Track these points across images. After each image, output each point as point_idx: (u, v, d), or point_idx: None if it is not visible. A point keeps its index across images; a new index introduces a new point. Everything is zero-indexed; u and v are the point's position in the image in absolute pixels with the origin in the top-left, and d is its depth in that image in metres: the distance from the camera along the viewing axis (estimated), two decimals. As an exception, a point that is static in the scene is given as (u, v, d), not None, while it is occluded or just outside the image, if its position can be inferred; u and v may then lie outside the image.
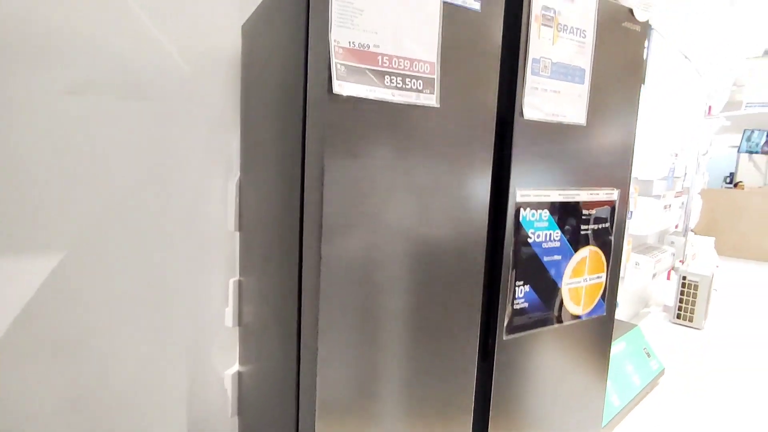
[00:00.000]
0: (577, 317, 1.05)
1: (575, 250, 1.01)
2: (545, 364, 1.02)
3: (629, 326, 2.74)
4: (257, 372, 1.16)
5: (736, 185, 7.11)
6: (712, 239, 5.06)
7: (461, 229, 0.84)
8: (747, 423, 2.39)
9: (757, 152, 7.45)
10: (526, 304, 0.95)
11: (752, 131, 7.25)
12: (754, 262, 6.46)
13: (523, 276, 0.94)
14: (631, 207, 2.72)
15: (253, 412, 1.22)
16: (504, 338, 0.93)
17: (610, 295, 1.12)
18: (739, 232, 6.67)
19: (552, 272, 0.98)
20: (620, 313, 3.28)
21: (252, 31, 1.12)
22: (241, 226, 1.28)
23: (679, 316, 3.55)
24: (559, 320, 1.02)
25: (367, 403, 0.79)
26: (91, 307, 1.17)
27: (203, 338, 1.33)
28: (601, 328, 1.12)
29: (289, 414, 0.87)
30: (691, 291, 3.47)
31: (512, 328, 0.94)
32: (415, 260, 0.79)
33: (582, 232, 1.02)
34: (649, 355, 2.65)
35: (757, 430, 2.30)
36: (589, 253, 1.04)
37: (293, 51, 0.81)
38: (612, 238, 1.08)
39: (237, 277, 1.31)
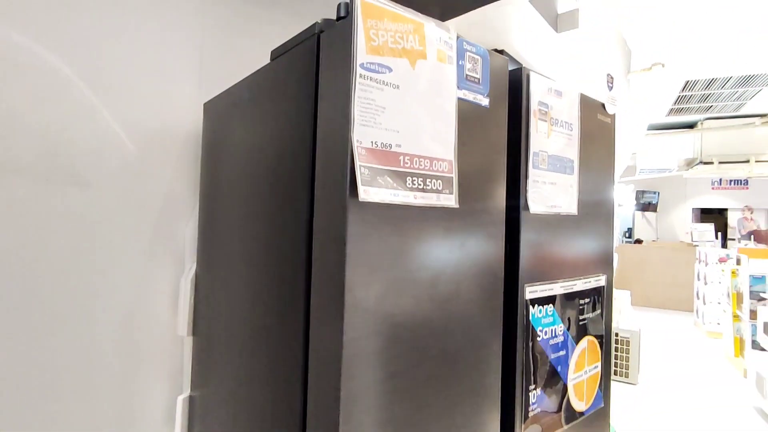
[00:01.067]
0: (581, 414, 0.99)
1: (576, 343, 0.97)
2: (557, 472, 0.93)
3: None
4: None
5: (637, 241, 7.92)
6: (628, 292, 5.49)
7: (480, 337, 0.75)
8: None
9: (650, 208, 8.46)
10: (538, 410, 0.88)
11: (644, 191, 8.26)
12: (660, 310, 7.10)
13: (535, 379, 0.87)
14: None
15: None
16: (522, 453, 0.84)
17: (605, 384, 1.08)
18: (643, 282, 7.35)
19: (559, 369, 0.92)
20: (565, 375, 3.33)
21: (220, 111, 1.01)
22: (195, 330, 1.08)
23: (615, 373, 3.70)
24: (567, 421, 0.95)
25: None
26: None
27: (139, 473, 1.06)
28: (601, 422, 1.07)
29: None
30: (624, 347, 3.65)
31: (528, 440, 0.85)
32: (434, 368, 0.68)
33: (580, 323, 0.99)
34: (600, 419, 2.66)
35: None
36: (587, 343, 1.01)
37: (291, 143, 0.71)
38: (603, 324, 1.07)
39: (187, 393, 1.09)
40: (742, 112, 3.99)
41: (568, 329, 0.95)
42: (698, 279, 5.87)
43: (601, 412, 1.06)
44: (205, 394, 1.03)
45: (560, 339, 0.93)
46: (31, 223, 0.92)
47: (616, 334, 3.67)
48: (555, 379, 0.92)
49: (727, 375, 4.13)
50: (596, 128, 1.04)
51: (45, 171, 0.94)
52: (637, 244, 7.50)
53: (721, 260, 5.34)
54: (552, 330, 0.90)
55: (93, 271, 1.00)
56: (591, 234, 1.02)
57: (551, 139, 0.90)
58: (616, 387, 3.53)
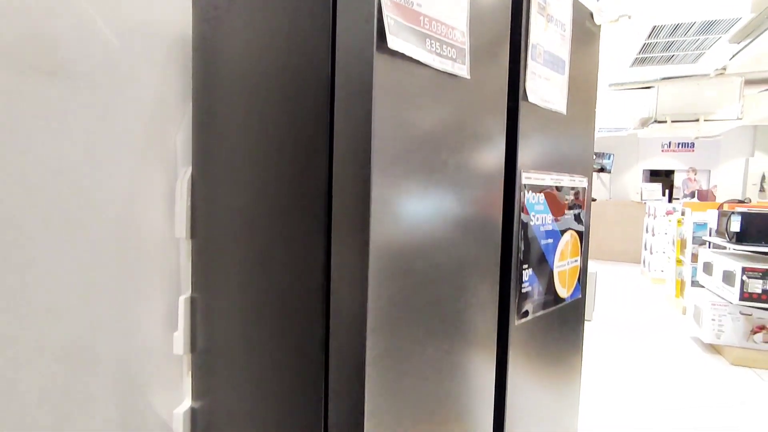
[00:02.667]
0: (563, 300, 1.09)
1: (562, 234, 1.05)
2: (544, 344, 1.03)
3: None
4: (228, 407, 0.97)
5: (592, 200, 8.31)
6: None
7: (484, 210, 0.81)
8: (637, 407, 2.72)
9: (604, 170, 8.86)
10: (530, 288, 0.96)
11: (602, 153, 8.64)
12: (611, 262, 7.59)
13: (527, 259, 0.94)
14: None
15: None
16: (516, 323, 0.92)
17: (583, 278, 1.18)
18: (597, 237, 7.79)
19: (547, 255, 1.00)
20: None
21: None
22: (194, 233, 1.08)
23: (572, 311, 3.96)
24: (553, 303, 1.04)
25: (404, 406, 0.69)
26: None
27: (139, 370, 1.08)
28: (579, 310, 1.17)
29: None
30: (581, 287, 3.90)
31: (521, 313, 0.93)
32: (448, 243, 0.74)
33: (566, 217, 1.06)
34: (561, 347, 2.88)
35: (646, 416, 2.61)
36: (570, 237, 1.09)
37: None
38: (584, 223, 1.15)
39: (188, 294, 1.10)
40: (699, 62, 4.23)
41: (556, 220, 1.02)
42: (646, 232, 6.30)
43: (578, 302, 1.17)
44: (207, 295, 1.04)
45: (549, 227, 1.00)
46: (9, 114, 0.88)
47: (575, 276, 3.90)
48: (543, 264, 1.00)
49: (668, 313, 4.53)
50: (584, 35, 1.09)
51: (25, 55, 0.89)
52: (591, 202, 7.89)
53: (668, 213, 5.74)
54: (542, 218, 0.98)
55: (81, 172, 0.97)
56: (576, 137, 1.09)
57: (547, 33, 0.94)
58: (573, 324, 3.80)
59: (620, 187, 9.23)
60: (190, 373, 1.12)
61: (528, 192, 0.92)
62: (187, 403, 1.12)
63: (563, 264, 1.07)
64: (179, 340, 1.08)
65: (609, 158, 8.68)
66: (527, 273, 0.94)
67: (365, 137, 0.61)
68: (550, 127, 0.98)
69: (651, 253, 6.00)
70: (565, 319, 1.12)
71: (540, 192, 0.96)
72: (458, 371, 0.79)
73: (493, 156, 0.82)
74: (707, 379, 2.94)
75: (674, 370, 3.11)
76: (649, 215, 6.20)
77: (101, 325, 1.03)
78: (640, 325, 4.03)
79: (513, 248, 0.90)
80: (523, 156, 0.90)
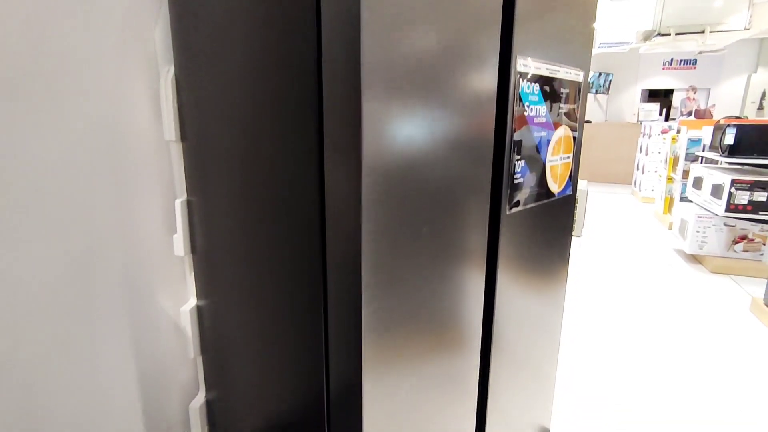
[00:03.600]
0: (554, 195, 1.11)
1: (555, 128, 1.05)
2: (535, 234, 1.07)
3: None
4: (229, 304, 1.02)
5: (586, 122, 8.20)
6: (577, 165, 5.80)
7: (476, 98, 0.79)
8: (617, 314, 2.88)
9: (601, 92, 8.64)
10: (522, 180, 0.97)
11: (599, 73, 8.37)
12: (603, 184, 7.67)
13: (519, 150, 0.94)
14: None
15: (224, 348, 1.08)
16: (507, 213, 0.94)
17: (574, 176, 1.19)
18: (591, 159, 7.78)
19: (540, 148, 1.01)
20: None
21: None
22: (183, 135, 1.06)
23: (563, 228, 4.06)
24: (544, 197, 1.06)
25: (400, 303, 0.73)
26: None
27: (143, 273, 1.12)
28: (569, 206, 1.20)
29: (313, 350, 0.78)
30: (572, 205, 3.97)
31: (513, 203, 0.95)
32: (442, 132, 0.73)
33: (560, 111, 1.05)
34: (550, 259, 2.99)
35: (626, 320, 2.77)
36: (564, 132, 1.09)
37: None
38: (577, 120, 1.14)
39: (184, 197, 1.11)
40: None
41: (550, 113, 1.01)
42: (640, 152, 6.29)
43: (569, 198, 1.19)
44: (202, 198, 1.05)
45: (542, 120, 0.99)
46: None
47: (567, 194, 3.95)
48: (536, 157, 1.00)
49: (655, 229, 4.67)
50: None
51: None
52: (586, 124, 7.79)
53: (664, 131, 5.69)
54: (537, 109, 0.96)
55: (58, 74, 0.92)
56: (574, 26, 1.05)
57: None
58: (562, 240, 3.91)
59: (616, 109, 9.06)
60: (192, 273, 1.16)
61: (523, 81, 0.90)
62: (192, 301, 1.17)
63: (555, 159, 1.08)
64: (179, 241, 1.11)
65: (604, 78, 8.42)
66: (519, 164, 0.95)
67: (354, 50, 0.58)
68: (547, 12, 0.94)
69: (643, 173, 6.05)
70: (556, 215, 1.15)
71: (535, 82, 0.94)
72: (452, 257, 0.82)
73: (488, 40, 0.79)
74: (687, 285, 3.10)
75: (656, 277, 3.27)
76: (644, 135, 6.16)
77: (103, 230, 1.04)
78: (626, 239, 4.17)
79: (506, 138, 0.89)
80: (519, 42, 0.87)
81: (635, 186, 6.41)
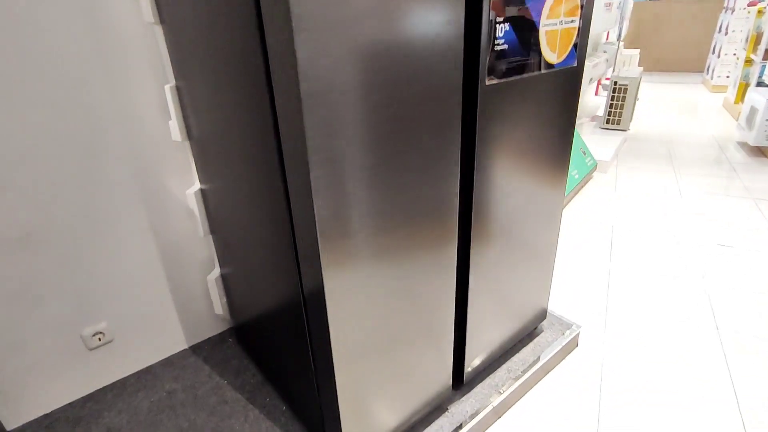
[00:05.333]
0: (552, 66, 1.02)
1: (553, -16, 0.92)
2: (524, 112, 1.01)
3: (570, 129, 2.87)
4: (225, 189, 1.07)
5: (658, -3, 7.10)
6: (637, 51, 5.21)
7: (440, -60, 0.70)
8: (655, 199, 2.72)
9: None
10: (506, 47, 0.89)
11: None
12: (672, 74, 6.85)
13: (503, 11, 0.85)
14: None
15: (230, 227, 1.16)
16: (486, 83, 0.88)
17: (581, 44, 1.08)
18: (658, 45, 6.90)
19: (530, 8, 0.90)
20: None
21: None
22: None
23: (608, 122, 3.79)
24: (537, 68, 0.98)
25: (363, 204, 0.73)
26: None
27: (148, 157, 1.19)
28: (573, 79, 1.10)
29: (283, 229, 0.81)
30: (621, 95, 3.64)
31: (494, 72, 0.89)
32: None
33: (560, -38, 0.92)
34: (584, 153, 2.85)
35: (663, 207, 2.63)
36: (565, -11, 0.96)
37: None
38: (587, -26, 1.00)
39: (173, 83, 1.13)
40: None
41: (545, -35, 0.89)
42: (719, 31, 5.47)
43: (573, 71, 1.09)
44: (188, 84, 1.06)
45: (535, -26, 0.88)
46: None
47: (615, 82, 3.62)
48: (525, 19, 0.90)
49: (720, 120, 4.22)
50: None
51: None
52: (652, 1, 6.74)
53: (751, 4, 4.86)
54: (526, -40, 0.85)
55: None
56: None
57: None
58: (607, 133, 3.66)
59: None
60: (193, 159, 1.22)
61: None
62: (197, 185, 1.25)
63: (553, 23, 0.97)
64: (174, 127, 1.15)
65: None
66: (502, 28, 0.86)
67: None
68: None
69: (718, 56, 5.31)
70: (555, 89, 1.06)
71: (524, -76, 0.81)
72: (414, 137, 0.80)
73: None
74: (747, 180, 2.86)
75: (708, 174, 3.04)
76: (726, 10, 5.29)
77: (103, 114, 1.10)
78: (681, 132, 3.82)
79: (483, 4, 0.80)
80: None
81: (707, 74, 5.68)
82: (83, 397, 1.28)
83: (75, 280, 1.17)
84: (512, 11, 0.87)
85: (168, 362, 1.42)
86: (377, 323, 0.89)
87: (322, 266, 0.75)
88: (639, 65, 6.67)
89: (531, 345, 1.43)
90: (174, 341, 1.43)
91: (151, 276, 1.31)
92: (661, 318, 1.64)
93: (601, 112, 4.18)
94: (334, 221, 0.73)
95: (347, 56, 0.65)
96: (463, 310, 1.12)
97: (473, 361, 1.22)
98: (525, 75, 0.96)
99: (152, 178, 1.21)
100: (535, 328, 1.50)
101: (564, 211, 2.51)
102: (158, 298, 1.35)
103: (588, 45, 3.78)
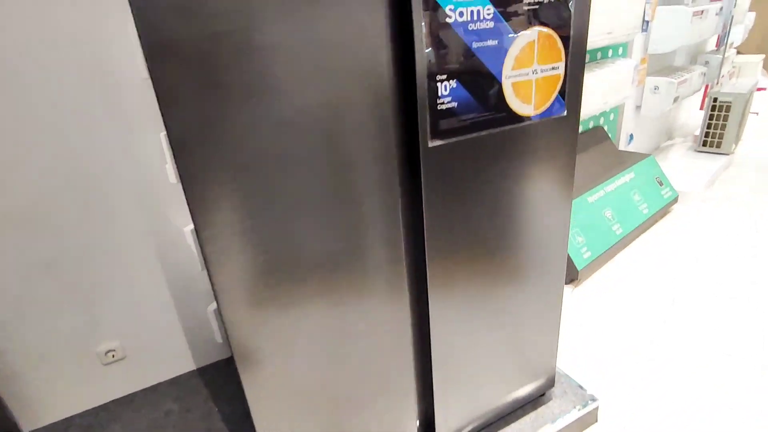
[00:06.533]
0: (524, 118, 0.90)
1: (517, 32, 0.82)
2: (490, 176, 0.91)
3: (642, 156, 2.56)
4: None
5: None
6: (761, 57, 4.45)
7: (358, 21, 0.67)
8: (751, 240, 2.29)
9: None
10: (454, 104, 0.81)
11: None
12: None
13: (447, 68, 0.78)
14: (648, 16, 2.32)
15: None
16: (429, 145, 0.81)
17: (572, 91, 0.94)
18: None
19: (487, 62, 0.81)
20: (638, 146, 3.06)
21: None
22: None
23: (705, 144, 3.29)
24: (504, 122, 0.88)
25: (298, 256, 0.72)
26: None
27: (152, 196, 1.31)
28: (562, 132, 0.97)
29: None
30: (722, 114, 3.13)
31: (439, 133, 0.81)
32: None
33: (526, 7, 0.81)
34: (661, 184, 2.51)
35: (760, 253, 2.20)
36: (538, 36, 0.84)
37: None
38: (572, 15, 0.87)
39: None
40: None
41: (503, 14, 0.79)
42: None
43: (562, 122, 0.96)
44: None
45: (488, 25, 0.79)
46: None
47: (715, 99, 3.12)
48: (482, 73, 0.81)
49: None
50: None
51: None
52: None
53: None
54: (472, 12, 0.76)
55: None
56: None
57: None
58: (702, 158, 3.18)
59: None
60: (191, 199, 1.31)
61: (438, -24, 0.71)
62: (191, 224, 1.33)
63: (521, 73, 0.85)
64: (171, 170, 1.24)
65: None
66: (447, 85, 0.79)
67: None
68: None
69: None
70: (534, 144, 0.94)
71: (465, -25, 0.73)
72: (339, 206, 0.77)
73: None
74: None
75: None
76: None
77: (113, 159, 1.23)
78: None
79: (416, 54, 0.74)
80: (423, -77, 0.68)
81: None
82: (96, 407, 1.43)
83: (91, 303, 1.32)
84: (459, 66, 0.79)
85: (174, 381, 1.52)
86: (316, 381, 0.87)
87: (242, 334, 0.75)
88: (765, 74, 5.68)
89: (531, 415, 1.28)
90: (182, 362, 1.54)
91: (161, 301, 1.42)
92: (718, 408, 1.36)
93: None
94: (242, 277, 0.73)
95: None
96: (427, 366, 1.04)
97: (445, 429, 1.12)
98: (485, 132, 0.86)
99: (157, 215, 1.32)
100: (543, 395, 1.34)
101: (622, 251, 2.22)
102: (168, 322, 1.46)
103: (682, 56, 3.31)
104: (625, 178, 2.36)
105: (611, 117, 2.63)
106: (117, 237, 1.29)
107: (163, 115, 0.60)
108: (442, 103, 0.80)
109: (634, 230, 2.25)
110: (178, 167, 0.64)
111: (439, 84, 0.78)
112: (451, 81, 0.79)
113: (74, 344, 1.34)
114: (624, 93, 2.22)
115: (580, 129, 2.44)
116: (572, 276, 1.95)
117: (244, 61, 0.62)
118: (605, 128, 2.61)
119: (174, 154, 0.63)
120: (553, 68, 0.89)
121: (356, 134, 0.75)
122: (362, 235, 0.82)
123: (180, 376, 1.55)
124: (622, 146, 2.80)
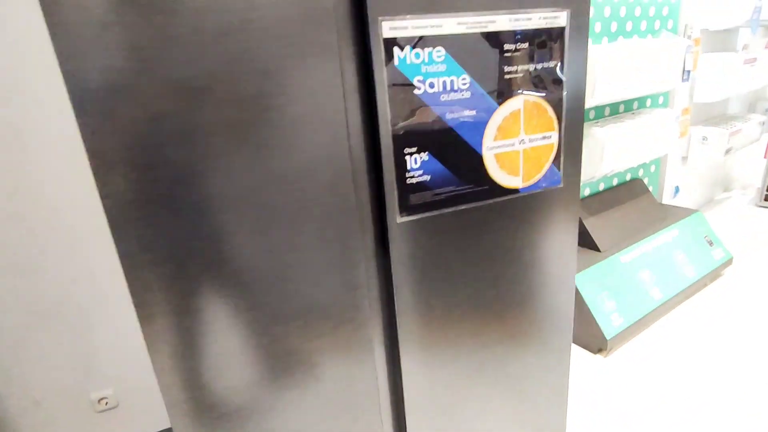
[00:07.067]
0: (511, 191, 0.82)
1: (498, 102, 0.76)
2: (476, 252, 0.83)
3: (687, 212, 2.34)
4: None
5: None
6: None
7: (314, 95, 0.64)
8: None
9: None
10: (427, 177, 0.75)
11: None
12: None
13: (416, 141, 0.72)
14: (689, 66, 2.17)
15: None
16: (398, 221, 0.75)
17: (570, 161, 0.86)
18: None
19: (463, 134, 0.75)
20: (686, 200, 2.82)
21: None
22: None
23: None
24: (487, 196, 0.80)
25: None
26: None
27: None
28: (559, 204, 0.88)
29: None
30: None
31: (410, 208, 0.75)
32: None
33: (508, 76, 0.75)
34: (711, 243, 2.27)
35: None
36: (524, 104, 0.78)
37: None
38: (563, 81, 0.80)
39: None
40: None
41: (482, 84, 0.74)
42: None
43: (558, 193, 0.87)
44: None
45: (464, 95, 0.73)
46: None
47: (775, 151, 2.84)
48: (458, 145, 0.75)
49: None
50: None
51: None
52: None
53: None
54: (444, 82, 0.71)
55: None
56: (535, -55, 0.71)
57: None
58: (766, 213, 2.87)
59: None
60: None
61: (403, 48, 0.67)
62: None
63: (506, 144, 0.78)
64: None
65: None
66: (418, 158, 0.73)
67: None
68: (451, -59, 0.66)
69: None
70: (522, 216, 0.85)
71: (435, 46, 0.69)
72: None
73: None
74: None
75: None
76: None
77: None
78: None
79: (380, 129, 0.70)
80: (384, -4, 0.64)
81: None
82: (87, 455, 1.42)
83: (85, 350, 1.33)
84: (431, 139, 0.73)
85: (166, 433, 1.49)
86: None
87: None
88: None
89: None
90: (176, 413, 1.51)
91: (158, 350, 1.41)
92: None
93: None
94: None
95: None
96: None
97: None
98: (464, 206, 0.79)
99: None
100: (551, 491, 1.17)
101: (661, 319, 2.00)
102: (163, 371, 1.44)
103: (737, 104, 3.07)
104: (667, 235, 2.16)
105: (652, 169, 2.45)
106: (114, 288, 1.31)
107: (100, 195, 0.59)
108: (412, 177, 0.74)
109: (677, 296, 2.03)
110: (116, 246, 0.62)
111: (408, 157, 0.73)
112: (422, 154, 0.73)
113: (68, 391, 1.34)
114: (663, 144, 2.06)
115: (616, 181, 2.28)
116: (600, 345, 1.77)
117: (185, 142, 0.60)
118: (645, 180, 2.43)
119: (112, 232, 0.61)
120: (544, 137, 0.82)
121: (316, 211, 0.71)
122: (320, 321, 0.76)
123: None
124: (666, 200, 2.59)
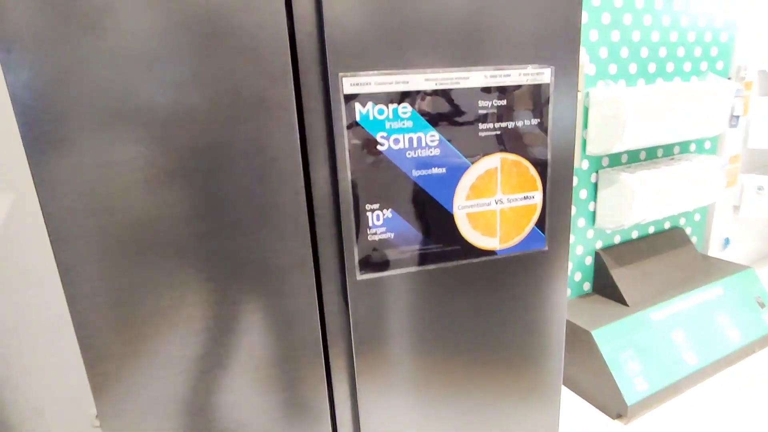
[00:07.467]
0: (491, 252, 0.77)
1: (472, 160, 0.72)
2: (449, 313, 0.78)
3: (737, 267, 2.13)
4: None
5: None
6: None
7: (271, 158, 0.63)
8: None
9: None
10: (390, 235, 0.72)
11: None
12: None
13: (379, 198, 0.70)
14: (738, 111, 2.00)
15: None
16: (358, 278, 0.72)
17: (556, 223, 0.79)
18: None
19: (432, 191, 0.71)
20: (736, 254, 2.57)
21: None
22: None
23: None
24: (459, 256, 0.76)
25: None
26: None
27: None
28: (543, 267, 0.81)
29: None
30: None
31: (370, 265, 0.72)
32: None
33: (483, 134, 0.71)
34: (763, 306, 2.04)
35: None
36: (501, 162, 0.73)
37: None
38: (547, 139, 0.74)
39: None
40: None
41: (451, 140, 0.70)
42: None
43: (543, 256, 0.80)
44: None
45: (432, 152, 0.70)
46: None
47: None
48: (426, 203, 0.72)
49: None
50: None
51: None
52: None
53: None
54: (411, 138, 0.68)
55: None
56: (514, -1, 0.67)
57: None
58: (831, 274, 2.55)
59: None
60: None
61: (365, 104, 0.65)
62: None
63: (480, 203, 0.74)
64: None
65: None
66: (380, 215, 0.70)
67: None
68: (419, -3, 0.64)
69: None
70: (499, 279, 0.79)
71: (401, 102, 0.67)
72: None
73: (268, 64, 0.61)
74: None
75: None
76: None
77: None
78: None
79: (339, 185, 0.67)
80: (340, 46, 0.63)
81: None
82: (81, 469, 1.45)
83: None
84: (396, 196, 0.70)
85: (158, 455, 1.50)
86: None
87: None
88: None
89: None
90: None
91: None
92: None
93: (835, 237, 2.95)
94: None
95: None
96: None
97: None
98: (434, 266, 0.75)
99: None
100: None
101: (696, 386, 1.80)
102: (160, 392, 1.46)
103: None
104: (710, 293, 1.96)
105: (696, 218, 2.25)
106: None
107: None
108: (374, 234, 0.71)
109: (716, 362, 1.82)
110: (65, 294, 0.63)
111: (369, 213, 0.70)
112: (385, 210, 0.70)
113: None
114: (707, 193, 1.89)
115: (653, 229, 2.11)
116: (620, 410, 1.61)
117: (138, 230, 0.61)
118: (687, 230, 2.24)
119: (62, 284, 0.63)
120: (525, 197, 0.76)
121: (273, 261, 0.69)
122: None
123: (165, 449, 1.53)
124: (713, 252, 2.36)
